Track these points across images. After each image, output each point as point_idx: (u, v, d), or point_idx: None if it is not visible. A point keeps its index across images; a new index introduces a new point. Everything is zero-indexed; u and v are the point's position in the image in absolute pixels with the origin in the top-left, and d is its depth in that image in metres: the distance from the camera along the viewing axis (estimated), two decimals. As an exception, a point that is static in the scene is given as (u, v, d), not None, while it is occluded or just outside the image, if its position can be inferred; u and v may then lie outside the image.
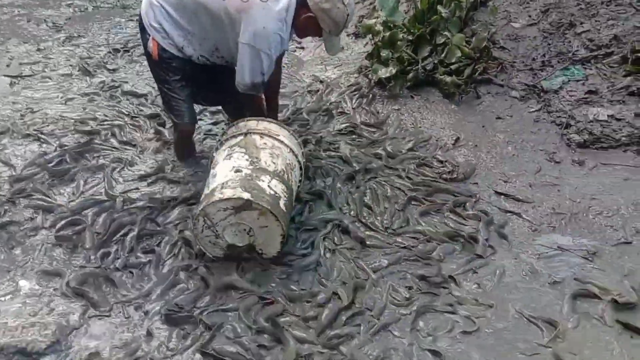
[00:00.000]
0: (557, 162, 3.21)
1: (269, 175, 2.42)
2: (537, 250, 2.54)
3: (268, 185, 2.37)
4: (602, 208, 2.80)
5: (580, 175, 3.09)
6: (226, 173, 2.39)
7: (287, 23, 2.57)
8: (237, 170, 2.39)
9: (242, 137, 2.60)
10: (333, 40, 2.72)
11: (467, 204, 2.86)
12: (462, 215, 2.77)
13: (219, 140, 2.71)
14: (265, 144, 2.57)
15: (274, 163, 2.50)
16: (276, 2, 2.51)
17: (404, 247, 2.57)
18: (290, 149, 2.66)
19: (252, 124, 2.67)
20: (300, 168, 2.74)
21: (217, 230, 2.33)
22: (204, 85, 3.01)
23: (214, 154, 2.66)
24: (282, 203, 2.37)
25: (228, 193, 2.26)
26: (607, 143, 3.22)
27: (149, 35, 2.71)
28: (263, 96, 2.99)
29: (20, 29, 5.79)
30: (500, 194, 2.97)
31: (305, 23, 2.60)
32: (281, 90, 4.24)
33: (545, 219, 2.77)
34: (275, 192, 2.37)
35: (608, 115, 3.29)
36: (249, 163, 2.44)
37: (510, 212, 2.83)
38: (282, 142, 2.64)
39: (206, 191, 2.39)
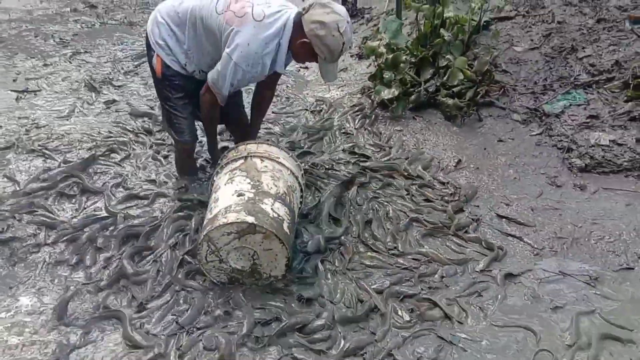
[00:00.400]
0: (559, 186, 3.22)
1: (272, 198, 2.42)
2: (538, 274, 2.54)
3: (271, 209, 2.37)
4: (603, 233, 2.80)
5: (582, 200, 3.09)
6: (229, 197, 2.39)
7: (282, 46, 2.59)
8: (240, 194, 2.39)
9: (242, 161, 2.61)
10: (328, 67, 2.68)
11: (469, 227, 2.87)
12: (464, 238, 2.78)
13: (219, 164, 2.73)
14: (266, 167, 2.58)
15: (275, 186, 2.51)
16: (270, 25, 2.53)
17: (406, 269, 2.57)
18: (291, 171, 2.68)
19: (252, 147, 2.69)
20: (301, 190, 2.75)
21: (221, 255, 2.32)
22: None
23: (215, 178, 2.67)
24: (285, 225, 2.37)
25: (232, 217, 2.26)
26: (609, 168, 3.24)
27: (154, 52, 2.78)
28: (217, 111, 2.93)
29: (27, 44, 5.85)
30: (502, 217, 2.97)
31: (300, 48, 2.59)
32: (287, 109, 4.31)
33: (546, 243, 2.77)
34: (279, 215, 2.37)
35: (609, 140, 3.31)
36: (251, 186, 2.45)
37: (511, 235, 2.83)
38: (282, 164, 2.65)
39: (209, 215, 2.38)
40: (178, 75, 2.81)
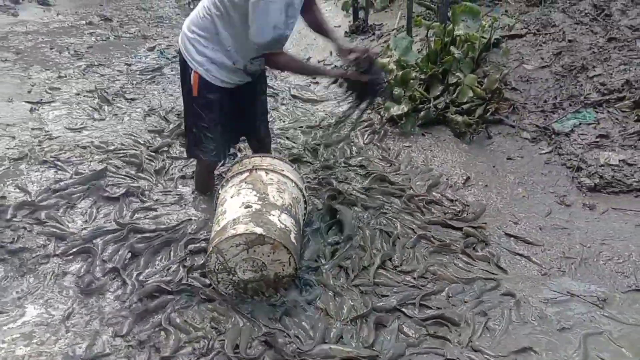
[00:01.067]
0: (568, 205, 3.20)
1: (278, 210, 2.45)
2: (546, 295, 2.52)
3: (278, 220, 2.40)
4: (612, 254, 2.78)
5: (591, 220, 3.07)
6: (236, 209, 2.42)
7: None
8: (247, 206, 2.42)
9: (248, 174, 2.65)
10: None
11: (478, 245, 2.86)
12: (472, 256, 2.76)
13: (224, 177, 2.76)
14: (271, 179, 2.62)
15: (281, 197, 2.55)
16: None
17: (413, 286, 2.56)
18: (295, 183, 2.72)
19: (256, 160, 2.74)
20: (305, 202, 2.78)
21: (229, 267, 2.34)
22: (235, 120, 3.01)
23: (220, 191, 2.70)
24: (292, 236, 2.40)
25: (241, 228, 2.28)
26: (619, 188, 3.22)
27: (191, 69, 2.72)
28: (288, 56, 2.76)
29: (43, 56, 5.97)
30: (510, 235, 2.96)
31: None
32: (296, 124, 4.34)
33: (555, 263, 2.75)
34: (286, 226, 2.40)
35: (619, 160, 3.29)
36: (257, 198, 2.48)
37: (519, 254, 2.82)
38: (287, 176, 2.70)
39: (217, 228, 2.41)
40: (217, 90, 2.77)
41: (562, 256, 2.79)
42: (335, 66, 5.19)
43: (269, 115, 3.37)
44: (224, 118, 2.90)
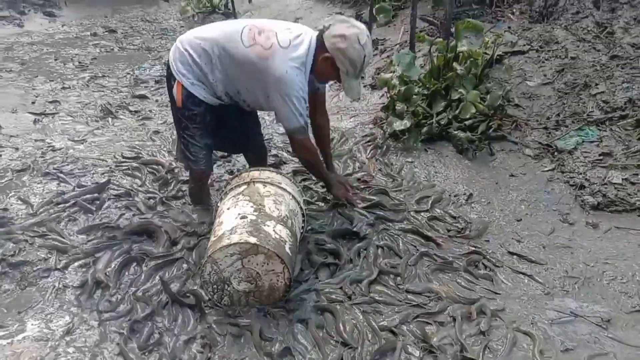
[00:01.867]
0: (571, 223, 3.20)
1: (274, 221, 2.47)
2: (549, 315, 2.50)
3: (273, 230, 2.41)
4: (616, 273, 2.76)
5: (594, 238, 3.06)
6: (232, 220, 2.44)
7: (306, 67, 2.65)
8: (243, 217, 2.44)
9: (245, 186, 2.67)
10: (352, 82, 2.73)
11: (480, 263, 2.84)
12: (474, 274, 2.75)
13: (223, 190, 2.78)
14: (268, 191, 2.64)
15: (277, 209, 2.56)
16: (296, 47, 2.61)
17: (416, 305, 2.54)
18: (293, 196, 2.73)
19: (255, 173, 2.77)
20: (303, 215, 2.79)
21: (224, 277, 2.35)
22: (225, 133, 3.08)
23: (219, 204, 2.71)
24: (287, 247, 2.41)
25: (235, 238, 2.30)
26: (622, 207, 3.21)
27: (175, 80, 2.78)
28: (312, 142, 2.99)
29: (47, 67, 6.01)
30: (513, 254, 2.94)
31: (323, 65, 2.65)
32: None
33: (558, 282, 2.74)
34: (281, 237, 2.41)
35: (622, 179, 3.29)
36: (253, 210, 2.50)
37: (522, 273, 2.80)
38: (284, 189, 2.71)
39: (213, 238, 2.43)
40: (199, 105, 2.81)
41: (566, 275, 2.78)
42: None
43: (262, 127, 3.38)
44: (210, 129, 2.94)
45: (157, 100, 5.10)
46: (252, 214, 2.47)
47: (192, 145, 2.93)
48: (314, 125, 3.18)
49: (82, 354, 2.18)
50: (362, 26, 2.64)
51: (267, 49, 2.58)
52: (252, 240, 2.29)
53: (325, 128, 3.26)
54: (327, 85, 3.31)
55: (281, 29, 2.68)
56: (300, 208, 2.77)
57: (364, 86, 5.21)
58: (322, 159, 3.16)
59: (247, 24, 2.71)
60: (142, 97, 5.17)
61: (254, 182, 2.69)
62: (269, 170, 2.82)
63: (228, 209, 2.56)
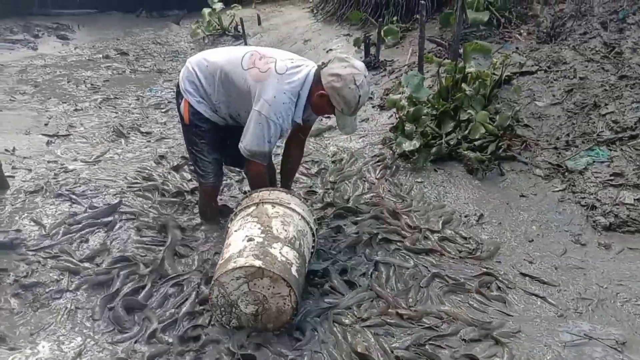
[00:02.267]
0: (583, 244, 3.17)
1: (281, 243, 2.46)
2: (563, 337, 2.47)
3: (280, 252, 2.40)
4: (630, 295, 2.73)
5: (607, 259, 3.03)
6: (239, 242, 2.44)
7: (301, 97, 2.70)
8: (250, 239, 2.44)
9: (254, 207, 2.68)
10: (346, 119, 2.76)
11: (492, 284, 2.82)
12: (486, 296, 2.73)
13: (234, 211, 2.79)
14: (277, 212, 2.64)
15: (285, 230, 2.55)
16: (291, 75, 2.67)
17: (428, 327, 2.52)
18: (302, 216, 2.72)
19: (264, 194, 2.77)
20: (313, 234, 2.78)
21: (232, 300, 2.34)
22: (234, 149, 3.09)
23: (228, 225, 2.72)
24: (294, 269, 2.40)
25: (241, 262, 2.30)
26: (634, 227, 3.18)
27: (182, 98, 2.90)
28: (266, 166, 2.98)
29: (60, 89, 6.10)
30: (525, 275, 2.92)
31: (318, 100, 2.70)
32: (307, 157, 4.36)
33: (571, 304, 2.71)
34: (287, 259, 2.40)
35: (634, 199, 3.27)
36: (260, 232, 2.50)
37: (535, 295, 2.77)
38: (293, 209, 2.70)
39: (220, 261, 2.43)
40: (205, 122, 2.92)
41: (579, 297, 2.75)
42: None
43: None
44: (218, 144, 3.02)
45: (165, 123, 5.16)
46: (259, 236, 2.46)
47: (200, 160, 3.02)
48: (285, 154, 3.25)
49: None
50: (361, 66, 2.67)
51: (262, 72, 2.67)
52: (257, 263, 2.28)
53: (294, 162, 3.30)
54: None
55: (283, 57, 2.75)
56: (310, 228, 2.76)
57: (373, 107, 5.25)
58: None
59: (251, 50, 2.82)
60: (154, 118, 5.23)
61: (262, 202, 2.69)
62: (279, 191, 2.82)
63: (236, 230, 2.57)
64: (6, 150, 4.07)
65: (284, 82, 2.65)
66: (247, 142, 2.73)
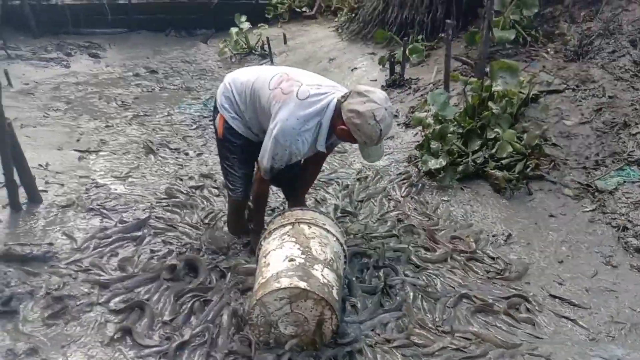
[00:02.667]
0: (614, 266, 3.10)
1: (321, 264, 2.46)
2: (595, 362, 2.41)
3: (321, 274, 2.40)
4: (665, 319, 2.66)
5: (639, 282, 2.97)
6: (280, 262, 2.43)
7: (322, 126, 2.68)
8: (291, 260, 2.43)
9: (290, 227, 2.68)
10: (370, 149, 2.73)
11: (521, 306, 2.78)
12: (515, 318, 2.69)
13: (267, 229, 2.81)
14: (314, 232, 2.64)
15: (323, 252, 2.55)
16: (311, 104, 2.65)
17: (456, 349, 2.49)
18: (337, 238, 2.74)
19: (298, 213, 2.79)
20: (345, 256, 2.78)
21: (272, 320, 2.34)
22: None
23: (262, 242, 2.73)
24: (335, 292, 2.39)
25: (285, 282, 2.29)
26: (668, 249, 3.11)
27: (217, 113, 2.99)
28: (271, 187, 3.13)
29: (91, 105, 6.26)
30: (555, 297, 2.87)
31: (341, 132, 2.66)
32: (332, 175, 4.38)
33: (603, 328, 2.65)
34: (328, 281, 2.39)
35: (668, 221, 3.20)
36: (301, 252, 2.49)
37: (565, 317, 2.72)
38: (328, 231, 2.71)
39: (261, 280, 2.41)
40: (238, 137, 2.97)
41: (611, 320, 2.69)
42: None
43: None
44: (248, 161, 3.06)
45: (194, 139, 5.24)
46: (300, 256, 2.46)
47: (230, 174, 3.09)
48: (302, 167, 3.25)
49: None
50: (380, 98, 2.56)
51: (284, 94, 2.69)
52: (302, 285, 2.28)
53: (309, 178, 3.35)
54: None
55: (309, 82, 2.74)
56: (343, 250, 2.76)
57: (398, 125, 5.25)
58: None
59: (280, 72, 2.85)
60: (183, 135, 5.32)
61: (299, 222, 2.70)
62: (312, 211, 2.85)
63: (274, 249, 2.56)
64: (40, 165, 4.17)
65: (301, 108, 2.63)
66: (260, 157, 2.80)
